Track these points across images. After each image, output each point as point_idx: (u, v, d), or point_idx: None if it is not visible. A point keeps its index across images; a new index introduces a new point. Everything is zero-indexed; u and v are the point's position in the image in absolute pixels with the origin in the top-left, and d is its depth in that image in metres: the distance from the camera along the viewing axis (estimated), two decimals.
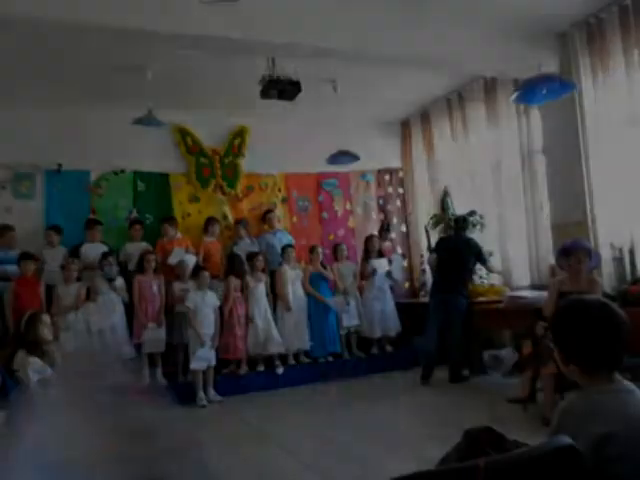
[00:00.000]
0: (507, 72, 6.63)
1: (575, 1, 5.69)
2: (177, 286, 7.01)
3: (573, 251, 5.27)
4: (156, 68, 6.41)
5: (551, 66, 6.14)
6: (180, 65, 6.46)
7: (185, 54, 5.91)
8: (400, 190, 9.41)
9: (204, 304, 6.70)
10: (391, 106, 8.59)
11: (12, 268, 6.64)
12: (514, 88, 6.18)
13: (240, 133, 8.37)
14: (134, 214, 7.79)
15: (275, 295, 7.56)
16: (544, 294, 5.84)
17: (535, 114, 6.91)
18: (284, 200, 8.70)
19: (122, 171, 7.77)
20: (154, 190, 7.97)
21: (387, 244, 8.54)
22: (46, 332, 5.10)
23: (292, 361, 7.46)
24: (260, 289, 7.30)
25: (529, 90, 5.14)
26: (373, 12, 5.42)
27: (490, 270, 7.25)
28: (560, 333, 1.87)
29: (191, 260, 7.20)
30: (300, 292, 7.62)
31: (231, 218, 8.26)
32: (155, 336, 6.76)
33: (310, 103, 7.24)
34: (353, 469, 4.13)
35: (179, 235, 7.59)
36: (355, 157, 7.59)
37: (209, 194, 8.20)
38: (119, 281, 6.85)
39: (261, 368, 7.21)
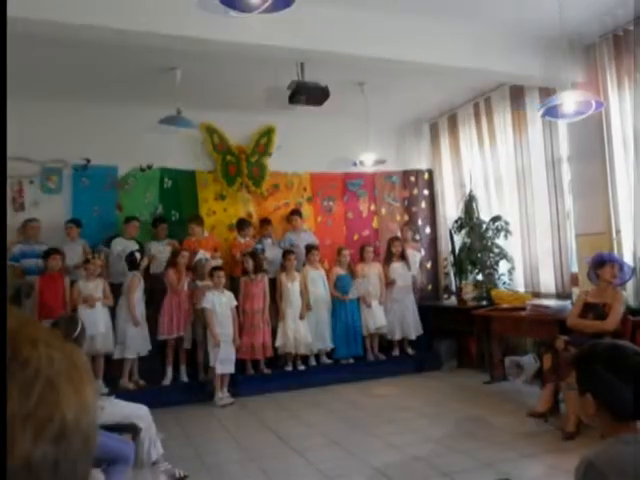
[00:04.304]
0: (534, 81, 6.59)
1: (603, 13, 5.65)
2: (199, 285, 6.99)
3: (608, 263, 5.26)
4: (185, 69, 6.42)
5: (577, 77, 6.13)
6: (209, 66, 6.45)
7: (214, 57, 5.91)
8: (425, 192, 9.29)
9: (221, 304, 6.68)
10: (417, 109, 8.50)
11: (37, 262, 6.56)
12: (540, 97, 6.27)
13: (267, 132, 8.32)
14: (160, 210, 7.78)
15: None
16: (567, 304, 5.91)
17: (561, 122, 6.82)
18: (309, 199, 8.67)
19: (149, 167, 7.73)
20: (180, 187, 7.95)
21: (412, 245, 8.45)
22: None
23: (313, 362, 7.49)
24: (295, 288, 7.34)
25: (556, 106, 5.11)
26: (404, 22, 5.44)
27: None
28: (597, 380, 1.74)
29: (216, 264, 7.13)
30: (322, 293, 7.61)
31: (255, 217, 8.25)
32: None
33: (338, 104, 7.20)
34: (364, 474, 4.16)
35: (206, 234, 7.57)
36: (381, 160, 7.59)
37: (235, 192, 8.17)
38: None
39: (289, 368, 7.27)
